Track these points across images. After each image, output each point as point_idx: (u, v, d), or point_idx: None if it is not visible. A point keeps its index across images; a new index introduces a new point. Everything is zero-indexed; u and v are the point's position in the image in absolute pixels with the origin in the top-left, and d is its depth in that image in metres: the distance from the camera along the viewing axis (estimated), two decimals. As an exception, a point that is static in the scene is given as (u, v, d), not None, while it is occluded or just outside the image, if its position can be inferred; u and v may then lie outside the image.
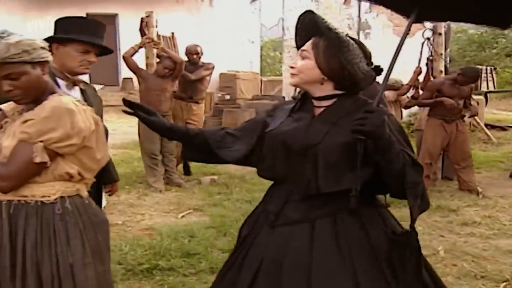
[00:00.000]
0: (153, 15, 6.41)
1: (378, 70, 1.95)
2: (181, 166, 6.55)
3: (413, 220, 1.79)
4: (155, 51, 6.28)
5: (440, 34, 6.50)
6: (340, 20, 10.44)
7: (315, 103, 1.95)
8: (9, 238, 1.83)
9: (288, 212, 1.90)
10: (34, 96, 1.87)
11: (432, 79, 6.54)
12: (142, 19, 6.31)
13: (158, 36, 6.32)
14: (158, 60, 6.17)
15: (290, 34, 10.93)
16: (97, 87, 3.12)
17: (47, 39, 1.91)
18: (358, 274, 1.78)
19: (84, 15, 14.12)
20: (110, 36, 15.02)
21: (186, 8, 15.15)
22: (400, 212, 2.96)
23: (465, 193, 6.12)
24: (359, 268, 1.79)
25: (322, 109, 1.93)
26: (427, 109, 6.57)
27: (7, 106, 2.04)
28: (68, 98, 1.87)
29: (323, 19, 1.89)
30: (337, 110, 1.91)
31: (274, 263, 1.85)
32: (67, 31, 2.55)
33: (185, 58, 6.37)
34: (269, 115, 2.08)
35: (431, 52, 6.57)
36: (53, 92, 1.91)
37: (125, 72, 12.73)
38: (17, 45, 1.77)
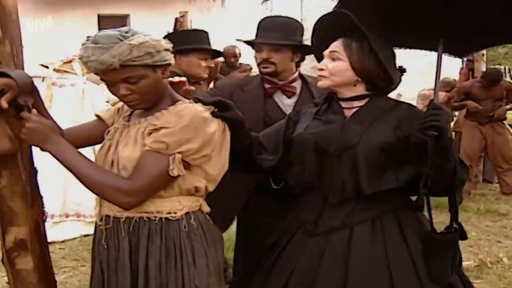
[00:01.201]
0: (187, 15, 6.23)
1: (401, 70, 1.93)
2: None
3: (456, 217, 1.82)
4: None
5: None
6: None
7: (344, 104, 1.90)
8: (129, 258, 1.65)
9: (327, 219, 1.84)
10: (152, 101, 1.69)
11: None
12: (176, 19, 6.12)
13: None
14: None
15: (309, 34, 10.81)
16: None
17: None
18: (394, 281, 1.74)
19: (96, 16, 14.01)
20: (121, 37, 14.88)
21: (197, 8, 15.00)
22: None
23: (510, 197, 6.01)
24: (395, 274, 1.75)
25: (354, 110, 1.88)
26: (464, 111, 6.47)
27: (105, 113, 1.88)
28: (199, 105, 1.69)
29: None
30: (372, 110, 1.87)
31: (309, 271, 1.79)
32: (189, 42, 2.83)
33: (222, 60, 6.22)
34: (293, 121, 1.99)
35: (472, 53, 6.43)
36: (174, 97, 1.74)
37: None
38: (140, 47, 1.56)
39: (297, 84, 2.58)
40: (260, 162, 1.94)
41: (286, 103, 2.53)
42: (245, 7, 15.74)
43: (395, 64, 1.89)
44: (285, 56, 2.51)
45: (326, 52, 1.88)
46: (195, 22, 13.47)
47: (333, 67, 1.85)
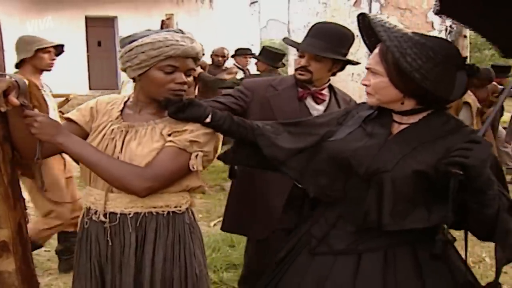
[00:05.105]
0: (173, 18, 6.24)
1: (472, 70, 1.61)
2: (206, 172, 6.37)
3: (498, 274, 1.51)
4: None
5: (465, 36, 6.43)
6: (350, 22, 10.34)
7: (396, 117, 1.66)
8: (135, 253, 1.71)
9: (333, 239, 1.67)
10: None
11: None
12: (162, 21, 6.11)
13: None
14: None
15: (296, 36, 10.85)
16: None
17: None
18: None
19: (83, 18, 13.97)
20: (109, 39, 14.84)
21: (185, 10, 14.99)
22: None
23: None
24: None
25: (403, 126, 1.65)
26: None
27: (78, 117, 1.84)
28: None
29: (381, 20, 1.59)
30: (421, 131, 1.61)
31: None
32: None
33: (208, 61, 6.25)
34: (339, 123, 1.81)
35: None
36: None
37: (124, 75, 12.55)
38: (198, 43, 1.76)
39: (326, 92, 2.58)
40: (262, 147, 1.81)
41: (316, 108, 2.53)
42: (232, 9, 15.76)
43: (452, 69, 1.58)
44: (324, 67, 2.48)
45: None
46: (183, 24, 13.45)
47: (374, 84, 1.62)
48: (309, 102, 2.54)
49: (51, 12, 13.23)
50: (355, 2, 11.43)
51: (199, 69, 5.83)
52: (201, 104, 1.77)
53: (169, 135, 1.72)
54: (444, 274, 1.59)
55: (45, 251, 4.19)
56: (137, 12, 13.93)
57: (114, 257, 1.73)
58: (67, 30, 12.85)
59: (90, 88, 14.29)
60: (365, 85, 1.65)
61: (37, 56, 3.57)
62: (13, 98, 1.57)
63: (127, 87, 5.41)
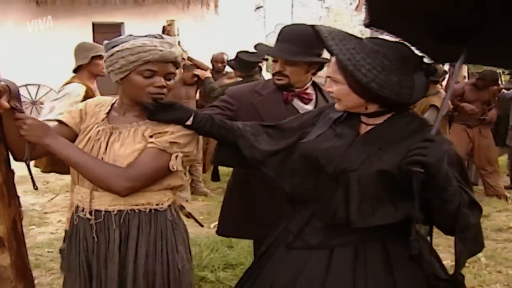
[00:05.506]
0: (174, 24, 6.37)
1: (429, 71, 1.65)
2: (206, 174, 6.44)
3: (459, 266, 1.56)
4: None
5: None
6: (351, 26, 10.45)
7: (363, 118, 1.72)
8: (119, 248, 1.79)
9: (307, 235, 1.74)
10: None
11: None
12: (164, 27, 6.26)
13: (179, 44, 6.25)
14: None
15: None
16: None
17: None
18: None
19: (91, 24, 14.12)
20: (116, 45, 14.96)
21: (191, 15, 15.10)
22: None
23: (493, 198, 6.11)
24: None
25: (369, 127, 1.71)
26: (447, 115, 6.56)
27: (68, 119, 1.92)
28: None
29: (332, 32, 1.62)
30: (386, 132, 1.66)
31: (285, 287, 1.72)
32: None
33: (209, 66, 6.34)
34: (313, 123, 1.88)
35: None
36: None
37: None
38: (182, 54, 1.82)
39: (311, 90, 2.56)
40: (242, 148, 1.89)
41: (305, 109, 2.48)
42: (238, 14, 15.83)
43: (409, 72, 1.60)
44: (300, 70, 2.45)
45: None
46: (188, 29, 13.57)
47: (337, 92, 1.68)
48: (297, 103, 2.52)
49: (60, 18, 13.40)
50: (356, 7, 11.54)
51: (207, 73, 5.86)
52: (182, 106, 1.85)
53: (151, 136, 1.79)
54: (414, 268, 1.62)
55: (48, 252, 4.29)
56: (144, 18, 14.04)
57: (99, 253, 1.80)
58: (75, 36, 13.00)
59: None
60: (329, 92, 1.71)
61: (92, 62, 3.87)
62: (4, 102, 1.65)
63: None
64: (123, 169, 1.74)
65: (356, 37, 1.64)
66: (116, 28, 14.50)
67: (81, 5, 13.78)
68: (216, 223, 5.17)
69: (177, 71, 5.79)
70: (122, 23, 14.69)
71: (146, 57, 1.73)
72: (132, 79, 1.78)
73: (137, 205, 1.80)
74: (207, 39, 14.01)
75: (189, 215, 2.05)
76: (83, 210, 1.83)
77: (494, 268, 4.07)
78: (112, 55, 1.77)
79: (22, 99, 13.43)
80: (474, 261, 4.14)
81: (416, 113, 1.74)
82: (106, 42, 1.84)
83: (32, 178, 1.85)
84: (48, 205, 5.79)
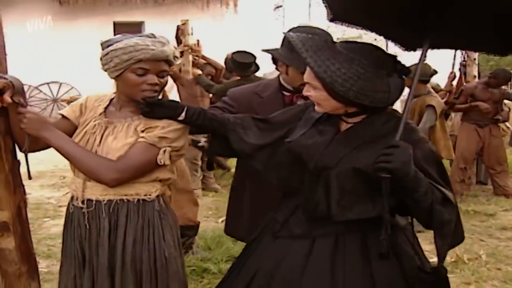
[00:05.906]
0: (188, 23, 6.50)
1: (404, 71, 1.70)
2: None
3: (440, 259, 1.64)
4: (190, 58, 6.37)
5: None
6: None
7: (343, 117, 1.78)
8: (108, 236, 1.90)
9: (292, 225, 1.84)
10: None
11: (464, 84, 6.56)
12: (178, 26, 6.40)
13: (199, 43, 6.37)
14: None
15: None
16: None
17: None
18: None
19: (112, 23, 14.38)
20: (136, 44, 15.17)
21: (210, 15, 15.26)
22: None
23: (501, 198, 6.13)
24: None
25: (349, 125, 1.77)
26: (460, 114, 6.59)
27: (69, 113, 2.04)
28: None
29: (306, 41, 1.65)
30: (364, 130, 1.73)
31: (268, 275, 1.81)
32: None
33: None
34: (299, 117, 1.94)
35: (464, 57, 6.58)
36: None
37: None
38: (175, 51, 1.94)
39: None
40: (232, 141, 1.98)
41: None
42: (257, 14, 15.88)
43: (383, 77, 1.64)
44: (298, 74, 2.37)
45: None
46: (207, 28, 13.68)
47: (316, 97, 1.73)
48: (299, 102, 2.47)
49: (81, 19, 13.67)
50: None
51: (198, 71, 5.96)
52: (174, 102, 1.97)
53: (143, 131, 1.90)
54: (391, 259, 1.68)
55: (60, 243, 4.43)
56: (163, 17, 14.22)
57: (91, 240, 1.92)
58: (96, 35, 13.25)
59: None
60: (308, 95, 1.76)
61: None
62: (7, 97, 1.79)
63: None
64: (113, 162, 1.86)
65: (330, 44, 1.69)
66: (136, 27, 14.72)
67: (103, 4, 14.05)
68: (224, 218, 5.32)
69: (194, 70, 5.82)
70: (143, 22, 14.91)
71: (138, 56, 1.85)
72: (126, 77, 1.89)
73: (126, 195, 1.90)
74: (226, 38, 14.13)
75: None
76: (77, 199, 1.96)
77: (494, 265, 4.11)
78: (107, 54, 1.89)
79: (44, 96, 13.79)
80: (475, 258, 4.19)
81: (394, 112, 1.79)
82: (101, 41, 1.96)
83: (28, 168, 1.98)
84: (63, 199, 5.99)
